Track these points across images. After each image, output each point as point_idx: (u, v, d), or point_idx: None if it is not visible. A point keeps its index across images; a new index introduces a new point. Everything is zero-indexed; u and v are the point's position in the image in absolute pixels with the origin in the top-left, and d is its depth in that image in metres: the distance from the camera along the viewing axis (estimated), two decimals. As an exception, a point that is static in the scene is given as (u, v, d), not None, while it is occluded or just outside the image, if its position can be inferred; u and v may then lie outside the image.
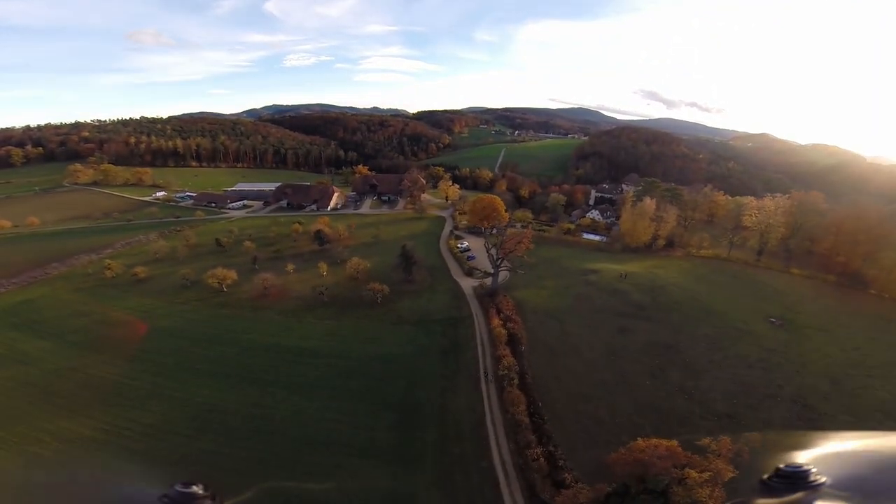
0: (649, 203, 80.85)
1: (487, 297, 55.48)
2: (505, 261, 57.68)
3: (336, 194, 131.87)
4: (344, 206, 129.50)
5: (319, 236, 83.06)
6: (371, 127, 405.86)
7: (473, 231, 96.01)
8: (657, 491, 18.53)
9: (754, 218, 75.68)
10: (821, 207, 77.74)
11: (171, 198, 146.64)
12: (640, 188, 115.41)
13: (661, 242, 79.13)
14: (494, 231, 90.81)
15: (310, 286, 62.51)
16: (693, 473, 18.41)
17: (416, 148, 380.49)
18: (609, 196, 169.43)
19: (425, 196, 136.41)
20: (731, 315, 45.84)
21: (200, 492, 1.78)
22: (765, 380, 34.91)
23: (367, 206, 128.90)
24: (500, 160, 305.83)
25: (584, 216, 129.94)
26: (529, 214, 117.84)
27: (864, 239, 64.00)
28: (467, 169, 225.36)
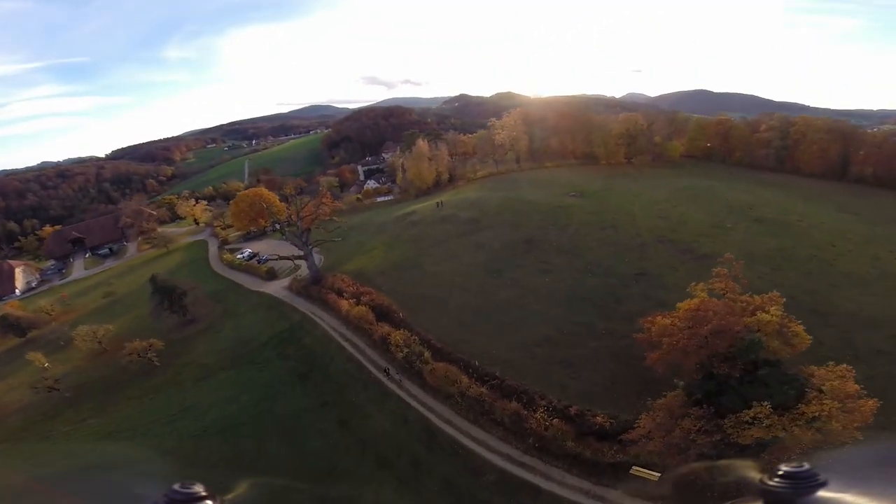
0: (423, 144, 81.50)
1: (314, 286, 43.77)
2: (314, 238, 46.77)
3: (20, 269, 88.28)
4: (43, 282, 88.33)
5: (10, 323, 52.15)
6: (46, 183, 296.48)
7: (251, 237, 78.71)
8: (758, 357, 13.66)
9: (503, 134, 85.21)
10: (541, 114, 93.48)
11: None
12: (405, 143, 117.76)
13: (445, 177, 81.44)
14: (277, 227, 76.50)
15: (28, 388, 38.09)
16: (766, 315, 14.63)
17: (126, 190, 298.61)
18: (376, 167, 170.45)
19: (165, 229, 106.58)
20: (542, 202, 48.86)
21: (202, 491, 1.69)
22: (628, 235, 38.32)
23: (80, 269, 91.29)
24: (246, 171, 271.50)
25: (363, 188, 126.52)
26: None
27: (578, 129, 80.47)
28: (210, 188, 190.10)
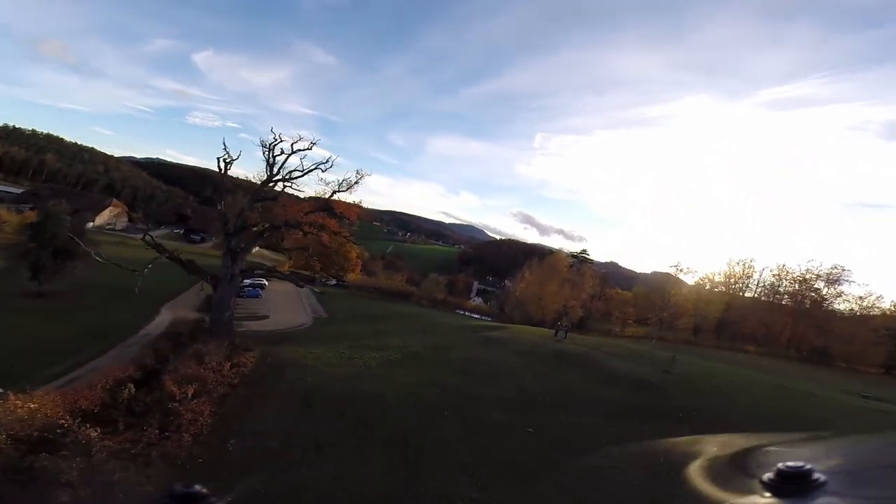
0: (561, 256, 56.08)
1: (216, 334, 18.88)
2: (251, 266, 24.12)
3: (111, 208, 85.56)
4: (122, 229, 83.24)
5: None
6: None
7: (301, 278, 60.22)
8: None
9: (688, 289, 54.99)
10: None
11: None
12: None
13: (577, 315, 52.31)
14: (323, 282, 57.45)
15: None
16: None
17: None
18: (492, 289, 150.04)
19: (260, 251, 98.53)
20: (820, 395, 17.47)
21: (204, 490, 1.71)
22: None
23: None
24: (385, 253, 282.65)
25: (467, 301, 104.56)
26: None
27: (808, 313, 48.36)
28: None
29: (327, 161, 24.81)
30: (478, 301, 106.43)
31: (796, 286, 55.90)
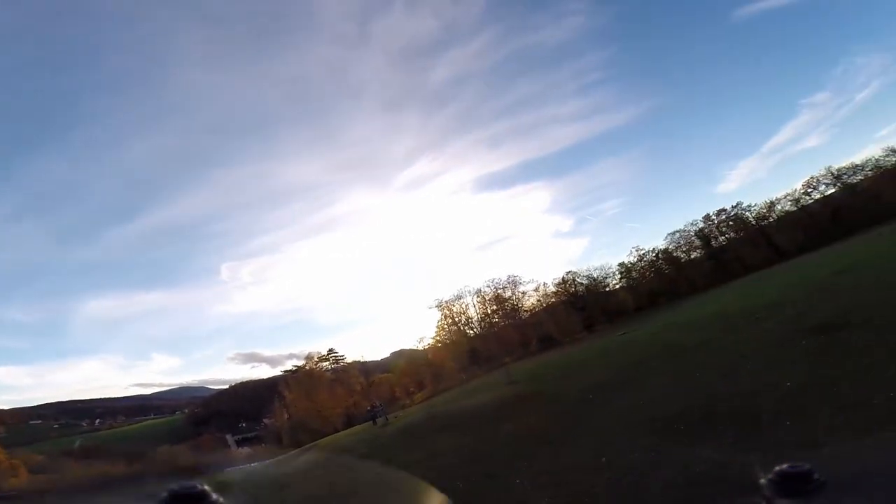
0: (312, 365, 56.02)
1: None
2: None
3: None
4: None
5: None
6: None
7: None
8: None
9: (434, 348, 65.66)
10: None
11: None
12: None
13: (365, 407, 53.37)
14: None
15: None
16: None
17: None
18: (254, 434, 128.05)
19: None
20: (624, 349, 25.06)
21: (205, 488, 1.74)
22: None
23: None
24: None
25: (234, 452, 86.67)
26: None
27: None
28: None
29: None
30: (246, 450, 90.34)
31: (496, 306, 73.49)
